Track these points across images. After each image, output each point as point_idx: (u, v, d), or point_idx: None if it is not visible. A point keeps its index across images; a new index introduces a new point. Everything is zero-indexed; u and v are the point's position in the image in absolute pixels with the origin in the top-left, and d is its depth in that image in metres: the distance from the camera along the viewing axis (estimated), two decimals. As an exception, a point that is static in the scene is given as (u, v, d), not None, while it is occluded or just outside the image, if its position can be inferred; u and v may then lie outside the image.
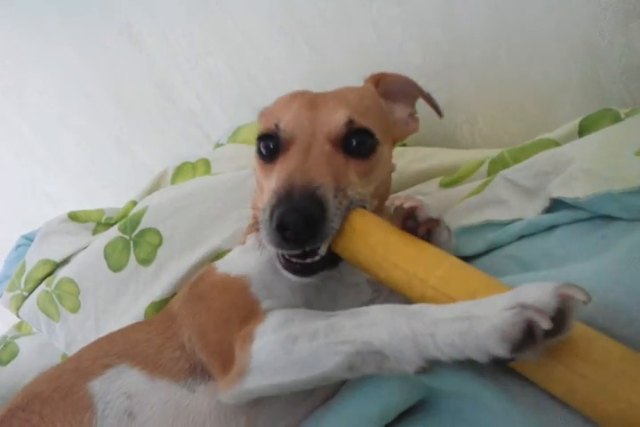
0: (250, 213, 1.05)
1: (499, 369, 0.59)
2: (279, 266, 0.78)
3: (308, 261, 0.75)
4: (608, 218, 0.75)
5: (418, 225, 0.71)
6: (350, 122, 0.82)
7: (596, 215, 0.77)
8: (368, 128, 0.84)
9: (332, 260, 0.76)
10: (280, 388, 0.66)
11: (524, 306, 0.49)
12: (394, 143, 0.97)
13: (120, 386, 0.77)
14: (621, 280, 0.58)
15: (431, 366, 0.55)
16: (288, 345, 0.63)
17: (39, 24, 1.89)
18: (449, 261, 0.66)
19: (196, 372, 0.77)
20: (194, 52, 1.69)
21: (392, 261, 0.68)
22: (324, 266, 0.76)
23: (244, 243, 0.98)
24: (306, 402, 0.75)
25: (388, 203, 0.95)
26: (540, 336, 0.48)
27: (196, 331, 0.80)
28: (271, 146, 0.85)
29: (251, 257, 0.86)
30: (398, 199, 0.73)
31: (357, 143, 0.83)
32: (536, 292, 0.50)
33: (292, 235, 0.70)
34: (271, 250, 0.76)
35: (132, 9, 1.71)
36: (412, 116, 1.03)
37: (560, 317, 0.48)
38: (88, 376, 0.80)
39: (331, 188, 0.74)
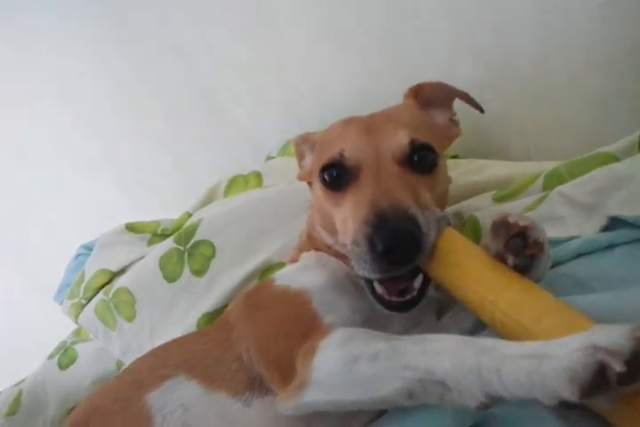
0: (302, 231, 1.07)
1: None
2: (376, 303, 0.79)
3: (408, 297, 0.76)
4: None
5: (525, 246, 0.67)
6: (413, 141, 0.83)
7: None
8: (429, 143, 0.85)
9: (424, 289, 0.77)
10: (337, 405, 0.66)
11: (596, 347, 0.46)
12: (443, 151, 0.97)
13: (177, 398, 0.78)
14: None
15: (493, 403, 0.52)
16: (349, 364, 0.63)
17: (94, 44, 1.97)
18: (519, 285, 0.64)
19: (254, 385, 0.78)
20: (242, 67, 1.72)
21: (467, 284, 0.68)
22: (420, 298, 0.76)
23: (294, 261, 0.99)
24: (357, 420, 0.74)
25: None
26: (612, 380, 0.45)
27: (254, 342, 0.80)
28: (335, 174, 0.85)
29: (312, 273, 0.88)
30: (503, 214, 0.69)
31: (420, 159, 0.84)
32: (611, 333, 0.47)
33: (398, 256, 0.71)
34: (374, 279, 0.76)
35: (183, 26, 1.77)
36: (453, 119, 1.03)
37: (636, 361, 0.45)
38: (146, 388, 0.81)
39: (416, 206, 0.75)
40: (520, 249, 0.66)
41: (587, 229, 0.83)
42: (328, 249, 0.94)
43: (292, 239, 1.21)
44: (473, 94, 1.34)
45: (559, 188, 0.90)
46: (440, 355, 0.57)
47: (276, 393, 0.73)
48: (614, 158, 0.93)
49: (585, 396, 0.46)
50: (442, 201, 0.88)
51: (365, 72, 1.51)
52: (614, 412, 0.51)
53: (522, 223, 0.66)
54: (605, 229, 0.81)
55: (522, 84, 1.30)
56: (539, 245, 0.67)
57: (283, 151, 1.56)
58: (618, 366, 0.44)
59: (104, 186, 2.31)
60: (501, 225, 0.67)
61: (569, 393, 0.46)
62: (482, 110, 1.02)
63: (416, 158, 0.83)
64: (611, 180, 0.82)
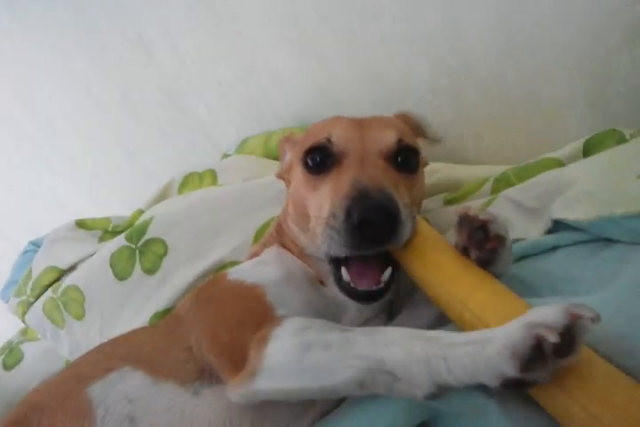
0: (271, 226, 1.07)
1: (507, 394, 0.59)
2: (341, 292, 0.79)
3: (374, 288, 0.76)
4: (609, 240, 0.76)
5: (486, 239, 0.69)
6: (400, 140, 0.85)
7: (597, 238, 0.77)
8: (415, 146, 0.88)
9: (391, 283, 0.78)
10: (288, 393, 0.66)
11: (533, 324, 0.49)
12: None
13: (121, 390, 0.75)
14: (624, 310, 0.58)
15: (442, 392, 0.54)
16: (302, 352, 0.63)
17: (51, 33, 1.92)
18: (490, 286, 0.66)
19: (204, 375, 0.76)
20: (203, 62, 1.70)
21: (439, 280, 0.70)
22: (387, 291, 0.77)
23: (256, 255, 0.99)
24: (309, 413, 0.74)
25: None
26: (549, 352, 0.48)
27: (204, 332, 0.79)
28: (318, 158, 0.86)
29: (267, 268, 0.88)
30: (463, 208, 0.71)
31: (403, 161, 0.86)
32: (546, 311, 0.50)
33: (373, 232, 0.71)
34: (342, 255, 0.76)
35: (143, 19, 1.73)
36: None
37: (570, 335, 0.48)
38: (88, 380, 0.78)
39: (397, 195, 0.75)
40: (482, 242, 0.69)
41: (532, 231, 0.85)
42: (293, 245, 0.95)
43: (247, 238, 1.21)
44: (430, 98, 1.38)
45: (505, 191, 0.92)
46: (390, 345, 0.58)
47: (227, 382, 0.72)
48: (560, 164, 0.96)
49: (525, 369, 0.48)
50: (417, 204, 0.90)
51: (326, 72, 1.51)
52: (547, 396, 0.53)
53: (482, 217, 0.69)
54: (549, 231, 0.83)
55: (478, 90, 1.32)
56: (500, 239, 0.69)
57: (239, 149, 1.55)
58: (553, 338, 0.47)
59: (56, 179, 2.25)
60: (464, 219, 0.70)
61: (511, 369, 0.49)
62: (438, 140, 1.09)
63: (400, 159, 0.85)
64: (554, 184, 0.85)
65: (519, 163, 1.08)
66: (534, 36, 1.20)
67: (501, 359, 0.49)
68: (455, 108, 1.36)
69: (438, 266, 0.72)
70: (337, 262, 0.80)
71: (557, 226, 0.82)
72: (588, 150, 0.97)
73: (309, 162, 0.87)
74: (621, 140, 0.93)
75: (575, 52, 1.18)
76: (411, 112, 1.07)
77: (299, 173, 0.90)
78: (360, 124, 0.89)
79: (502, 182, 1.00)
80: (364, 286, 0.77)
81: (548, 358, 0.48)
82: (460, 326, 0.67)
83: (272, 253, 0.96)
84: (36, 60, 2.02)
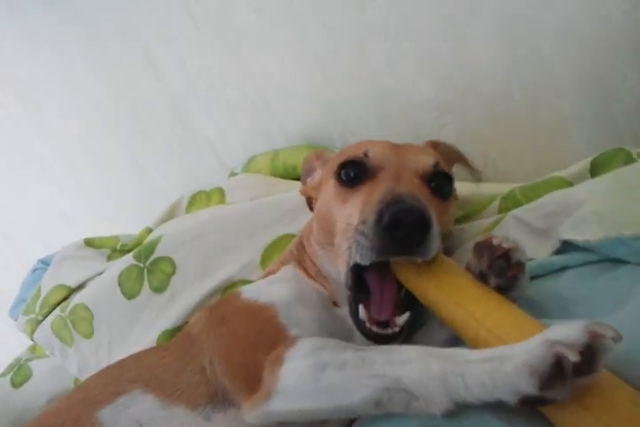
0: (291, 244, 1.08)
1: (518, 418, 0.57)
2: (356, 329, 0.79)
3: (389, 332, 0.75)
4: (618, 261, 0.75)
5: (507, 268, 0.69)
6: (437, 164, 0.86)
7: (606, 258, 0.76)
8: (450, 174, 0.89)
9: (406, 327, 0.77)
10: (304, 414, 0.65)
11: (553, 342, 0.49)
12: None
13: (132, 414, 0.76)
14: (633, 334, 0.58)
15: (459, 409, 0.54)
16: (317, 372, 0.63)
17: (60, 49, 1.94)
18: (508, 307, 0.66)
19: (216, 399, 0.76)
20: (211, 80, 1.72)
21: (456, 300, 0.69)
22: (401, 334, 0.76)
23: (272, 272, 1.00)
24: None
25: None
26: (568, 371, 0.47)
27: (218, 354, 0.79)
28: (353, 173, 0.86)
29: (280, 287, 0.88)
30: (484, 236, 0.72)
31: (438, 186, 0.86)
32: (566, 329, 0.50)
33: (404, 232, 0.69)
34: (368, 260, 0.74)
35: (151, 37, 1.75)
36: None
37: (590, 354, 0.48)
38: (98, 404, 0.78)
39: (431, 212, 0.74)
40: (503, 270, 0.69)
41: (540, 252, 0.84)
42: (311, 265, 0.95)
43: (255, 257, 1.21)
44: (435, 115, 1.38)
45: (514, 212, 0.92)
46: (406, 364, 0.58)
47: (240, 405, 0.72)
48: (567, 183, 0.96)
49: (544, 388, 0.48)
50: (444, 231, 0.88)
51: (332, 90, 1.52)
52: (569, 416, 0.52)
53: (505, 246, 0.69)
54: (558, 252, 0.83)
55: (483, 107, 1.32)
56: (520, 266, 0.70)
57: (246, 168, 1.56)
58: (573, 357, 0.46)
59: (66, 196, 2.27)
60: (485, 247, 0.70)
61: (529, 387, 0.48)
62: (480, 179, 1.09)
63: (434, 184, 0.85)
64: (562, 205, 0.84)
65: (526, 180, 1.08)
66: (539, 53, 1.21)
67: (520, 377, 0.49)
68: (461, 126, 1.36)
69: (455, 287, 0.72)
70: (356, 293, 0.80)
71: (566, 246, 0.81)
72: (595, 169, 0.97)
73: (343, 175, 0.87)
74: (628, 158, 0.93)
75: (580, 69, 1.18)
76: (440, 140, 1.07)
77: (330, 187, 0.90)
78: (396, 146, 0.90)
79: (510, 201, 1.00)
80: (378, 327, 0.76)
81: (568, 376, 0.48)
82: (474, 345, 0.66)
83: (288, 272, 0.96)
84: (45, 79, 2.04)
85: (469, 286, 0.71)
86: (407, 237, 0.70)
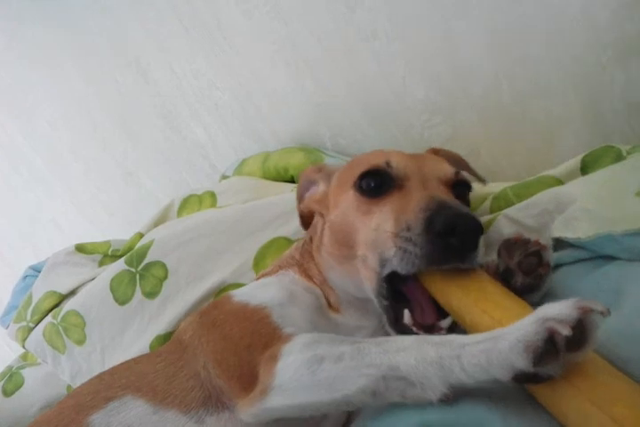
0: (292, 249, 1.07)
1: (510, 408, 0.58)
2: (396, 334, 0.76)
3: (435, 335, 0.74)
4: (609, 257, 0.76)
5: (539, 264, 0.70)
6: (458, 173, 0.86)
7: (597, 255, 0.77)
8: (470, 183, 0.89)
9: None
10: (302, 408, 0.65)
11: (545, 318, 0.50)
12: None
13: (123, 419, 0.75)
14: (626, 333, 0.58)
15: (455, 394, 0.54)
16: (313, 365, 0.63)
17: (49, 55, 1.93)
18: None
19: (209, 402, 0.76)
20: (200, 84, 1.71)
21: (482, 307, 0.67)
22: None
23: (267, 275, 1.00)
24: None
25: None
26: (561, 345, 0.48)
27: (212, 358, 0.79)
28: (374, 184, 0.83)
29: (271, 289, 0.88)
30: (515, 233, 0.72)
31: (459, 193, 0.85)
32: (558, 305, 0.51)
33: (460, 239, 0.68)
34: (415, 268, 0.71)
35: (140, 42, 1.75)
36: None
37: (581, 328, 0.49)
38: (88, 410, 0.77)
39: None
40: (534, 268, 0.70)
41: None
42: (317, 273, 0.94)
43: (247, 260, 1.21)
44: (425, 117, 1.38)
45: (506, 211, 0.93)
46: (402, 352, 0.58)
47: (235, 406, 0.72)
48: (558, 181, 0.96)
49: (538, 363, 0.49)
50: None
51: (323, 92, 1.52)
52: (561, 396, 0.53)
53: (543, 242, 0.70)
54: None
55: (473, 108, 1.33)
56: (549, 267, 0.71)
57: (238, 171, 1.55)
58: (565, 331, 0.47)
59: (56, 202, 2.25)
60: (518, 243, 0.71)
61: (523, 362, 0.49)
62: (484, 181, 1.08)
63: (456, 193, 0.84)
64: (554, 203, 0.85)
65: (517, 180, 1.08)
66: (528, 53, 1.22)
67: (514, 353, 0.50)
68: (451, 127, 1.37)
69: (482, 294, 0.69)
70: (395, 302, 0.78)
71: (558, 244, 0.82)
72: (585, 167, 0.97)
73: (364, 185, 0.84)
74: (618, 156, 0.94)
75: (569, 69, 1.19)
76: (440, 147, 1.06)
77: (348, 198, 0.87)
78: (413, 156, 0.89)
79: (501, 200, 1.00)
80: (424, 331, 0.73)
81: (561, 351, 0.49)
82: None
83: (286, 275, 0.96)
84: (34, 84, 2.03)
85: (496, 294, 0.69)
86: (462, 244, 0.69)
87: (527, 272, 0.69)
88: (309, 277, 0.95)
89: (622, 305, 0.64)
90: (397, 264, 0.73)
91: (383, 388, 0.58)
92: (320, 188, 1.01)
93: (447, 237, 0.68)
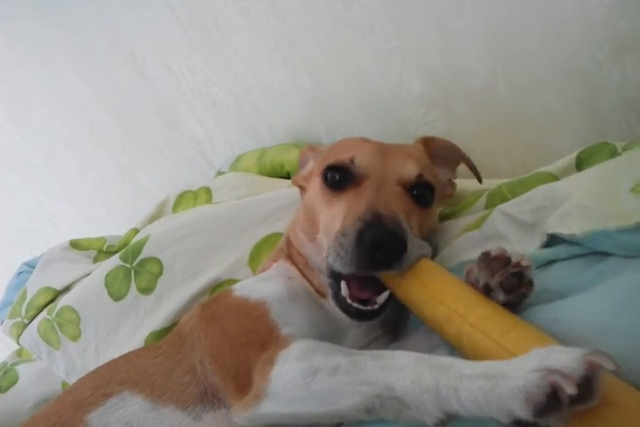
0: (280, 241, 1.08)
1: None
2: (336, 306, 0.82)
3: (368, 308, 0.78)
4: (604, 253, 0.75)
5: (520, 285, 0.68)
6: (420, 175, 0.89)
7: (592, 251, 0.76)
8: (433, 184, 0.91)
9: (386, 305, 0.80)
10: (293, 417, 0.65)
11: (550, 370, 0.48)
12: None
13: (121, 416, 0.75)
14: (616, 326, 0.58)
15: (450, 419, 0.53)
16: (308, 377, 0.63)
17: (45, 53, 1.93)
18: (491, 305, 0.67)
19: (206, 398, 0.76)
20: (197, 80, 1.71)
21: (439, 299, 0.71)
22: (381, 312, 0.79)
23: (264, 270, 1.01)
24: None
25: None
26: (565, 402, 0.46)
27: (209, 353, 0.79)
28: (338, 177, 0.89)
29: (271, 284, 0.89)
30: (496, 249, 0.70)
31: (419, 194, 0.89)
32: (564, 357, 0.49)
33: (383, 255, 0.73)
34: (346, 273, 0.78)
35: (137, 38, 1.75)
36: (451, 181, 1.10)
37: (587, 384, 0.46)
38: (87, 408, 0.77)
39: (407, 224, 0.78)
40: (515, 287, 0.68)
41: (528, 245, 0.84)
42: (299, 257, 0.97)
43: (243, 256, 1.21)
44: (422, 112, 1.38)
45: (501, 206, 0.92)
46: (398, 372, 0.57)
47: (231, 405, 0.72)
48: (554, 178, 0.96)
49: (538, 416, 0.47)
50: (425, 236, 0.90)
51: (319, 89, 1.52)
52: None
53: (524, 263, 0.68)
54: (545, 245, 0.83)
55: (470, 103, 1.33)
56: (531, 285, 0.69)
57: (233, 166, 1.55)
58: (570, 389, 0.45)
59: (52, 198, 2.25)
60: (499, 261, 0.69)
61: (523, 413, 0.47)
62: (480, 181, 1.09)
63: (415, 192, 0.88)
64: (549, 198, 0.84)
65: (513, 175, 1.08)
66: (525, 49, 1.21)
67: (515, 401, 0.48)
68: (448, 122, 1.37)
69: (438, 286, 0.74)
70: (337, 277, 0.82)
71: (553, 240, 0.81)
72: (580, 163, 0.97)
73: (329, 178, 0.90)
74: (613, 152, 0.93)
75: (566, 65, 1.19)
76: (438, 138, 1.09)
77: (317, 183, 0.94)
78: (384, 151, 0.92)
79: (496, 197, 1.00)
80: (359, 303, 0.78)
81: (564, 406, 0.47)
82: (456, 341, 0.67)
83: (280, 268, 0.98)
84: (30, 80, 2.03)
85: (452, 285, 0.73)
86: (384, 257, 0.74)
87: (508, 291, 0.68)
88: (295, 264, 0.98)
89: (615, 300, 0.64)
90: (332, 263, 0.78)
91: (378, 406, 0.57)
92: (309, 166, 1.08)
93: (371, 252, 0.74)
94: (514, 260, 0.68)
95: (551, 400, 0.47)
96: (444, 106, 1.36)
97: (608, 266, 0.73)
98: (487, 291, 0.69)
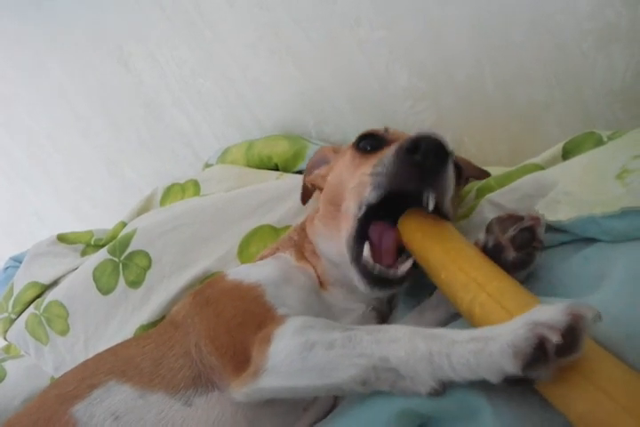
0: (290, 230, 1.09)
1: (501, 396, 0.57)
2: (356, 272, 0.80)
3: (391, 272, 0.77)
4: (590, 239, 0.76)
5: (532, 239, 0.71)
6: (452, 153, 0.85)
7: (579, 238, 0.77)
8: (461, 166, 0.93)
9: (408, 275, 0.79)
10: (293, 391, 0.67)
11: (536, 323, 0.50)
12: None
13: (107, 407, 0.73)
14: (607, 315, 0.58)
15: (444, 388, 0.55)
16: (304, 351, 0.63)
17: (28, 45, 1.90)
18: (512, 281, 0.66)
19: (199, 382, 0.76)
20: (183, 72, 1.70)
21: (459, 265, 0.69)
22: (402, 282, 0.78)
23: (265, 257, 1.01)
24: (301, 421, 0.75)
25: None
26: (551, 352, 0.48)
27: (204, 335, 0.79)
28: (370, 144, 0.90)
29: (266, 268, 0.89)
30: (508, 211, 0.74)
31: None
32: (549, 310, 0.51)
33: (423, 156, 0.73)
34: (383, 191, 0.77)
35: (122, 29, 1.73)
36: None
37: (572, 335, 0.48)
38: (71, 401, 0.75)
39: None
40: (528, 242, 0.70)
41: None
42: (309, 246, 0.97)
43: (231, 248, 1.20)
44: (410, 104, 1.38)
45: (488, 196, 0.93)
46: (393, 343, 0.58)
47: (228, 384, 0.72)
48: (541, 169, 0.97)
49: (527, 369, 0.49)
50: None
51: (306, 80, 1.51)
52: (553, 389, 0.53)
53: (536, 215, 0.71)
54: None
55: (457, 95, 1.33)
56: (541, 243, 0.71)
57: (221, 159, 1.54)
58: (555, 338, 0.47)
59: (37, 193, 2.22)
60: (511, 218, 0.72)
61: (513, 367, 0.49)
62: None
63: None
64: (535, 187, 0.85)
65: (500, 166, 1.09)
66: (511, 40, 1.22)
67: (504, 358, 0.50)
68: (435, 113, 1.37)
69: (461, 253, 0.72)
70: (361, 239, 0.81)
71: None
72: (566, 153, 0.98)
73: (361, 143, 0.91)
74: (599, 142, 0.94)
75: (551, 56, 1.20)
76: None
77: (346, 157, 0.94)
78: None
79: (485, 191, 0.99)
80: (382, 264, 0.77)
81: (550, 357, 0.49)
82: (468, 309, 0.66)
83: (281, 257, 0.98)
84: (14, 74, 2.00)
85: (475, 255, 0.71)
86: (426, 160, 0.73)
87: (520, 247, 0.70)
88: (304, 257, 0.97)
89: (603, 287, 0.65)
90: (369, 195, 0.78)
91: (373, 378, 0.58)
92: (329, 166, 1.07)
93: (412, 155, 0.73)
94: (523, 213, 0.72)
95: (538, 352, 0.48)
96: (432, 97, 1.36)
97: (593, 251, 0.74)
98: (497, 252, 0.71)
